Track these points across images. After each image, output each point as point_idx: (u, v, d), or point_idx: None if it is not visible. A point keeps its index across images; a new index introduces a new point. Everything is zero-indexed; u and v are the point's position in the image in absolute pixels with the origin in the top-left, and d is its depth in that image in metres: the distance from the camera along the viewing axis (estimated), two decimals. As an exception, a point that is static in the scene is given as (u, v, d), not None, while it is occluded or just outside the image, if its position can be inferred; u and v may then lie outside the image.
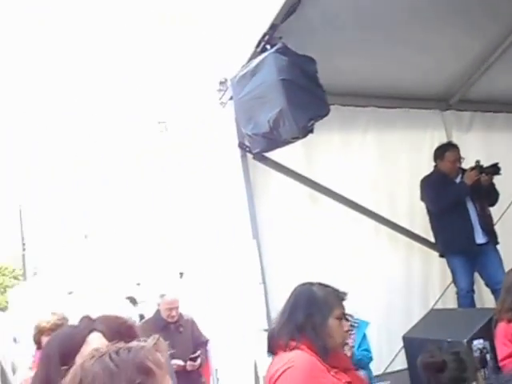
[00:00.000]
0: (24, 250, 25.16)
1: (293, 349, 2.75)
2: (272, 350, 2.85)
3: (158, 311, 5.17)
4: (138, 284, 9.33)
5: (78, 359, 2.37)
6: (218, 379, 5.81)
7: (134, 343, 1.59)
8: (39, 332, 4.60)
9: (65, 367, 2.35)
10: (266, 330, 3.98)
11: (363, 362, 3.95)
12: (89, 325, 2.52)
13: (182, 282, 7.36)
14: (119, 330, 2.65)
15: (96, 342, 2.44)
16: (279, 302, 3.68)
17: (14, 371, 5.10)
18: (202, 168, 7.53)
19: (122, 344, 1.59)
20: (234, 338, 4.72)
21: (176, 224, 8.27)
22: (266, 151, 4.05)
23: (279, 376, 2.70)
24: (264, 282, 4.17)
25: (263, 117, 3.75)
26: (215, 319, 5.19)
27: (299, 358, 2.71)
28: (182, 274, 7.86)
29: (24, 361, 5.18)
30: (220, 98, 4.38)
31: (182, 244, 8.05)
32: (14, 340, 6.45)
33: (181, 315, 5.14)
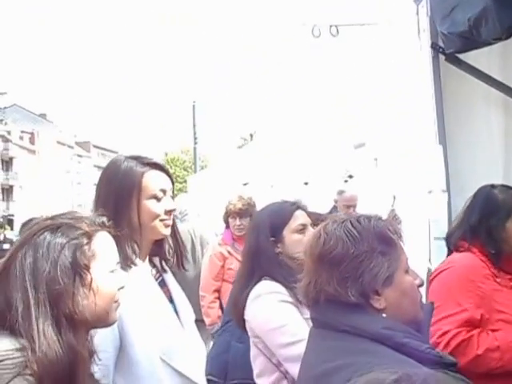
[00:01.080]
0: (196, 143, 26.54)
1: (464, 250, 2.73)
2: (449, 249, 2.86)
3: (334, 207, 5.30)
4: (306, 183, 9.49)
5: (286, 232, 2.57)
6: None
7: (371, 214, 1.66)
8: (226, 213, 4.99)
9: (273, 238, 2.56)
10: (445, 239, 3.94)
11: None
12: (294, 203, 2.69)
13: (351, 183, 7.39)
14: (320, 220, 2.78)
15: (302, 218, 2.62)
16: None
17: (202, 245, 5.58)
18: (384, 70, 7.37)
19: (359, 213, 1.67)
20: (410, 244, 4.71)
21: (347, 127, 8.23)
22: (461, 52, 3.84)
23: (436, 275, 2.73)
24: (448, 190, 4.06)
25: (463, 14, 3.51)
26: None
27: (461, 260, 2.71)
28: (351, 176, 7.90)
29: (211, 236, 5.67)
30: (416, -5, 4.17)
31: (351, 150, 8.03)
32: (198, 215, 7.00)
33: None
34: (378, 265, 1.55)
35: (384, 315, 1.56)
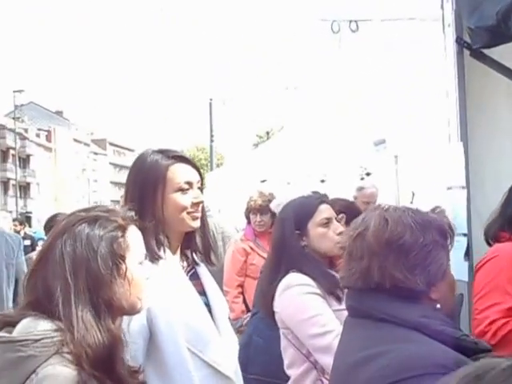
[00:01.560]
0: (212, 141, 26.55)
1: (505, 241, 2.76)
2: (487, 242, 2.88)
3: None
4: (323, 181, 9.47)
5: (310, 225, 2.59)
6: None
7: (421, 210, 1.68)
8: (247, 209, 5.01)
9: (298, 231, 2.59)
10: (464, 235, 3.92)
11: None
12: (319, 197, 2.71)
13: (370, 180, 7.35)
14: (347, 206, 2.79)
15: (326, 212, 2.64)
16: (483, 208, 3.57)
17: (223, 240, 5.60)
18: (405, 65, 7.34)
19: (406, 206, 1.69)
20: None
21: (366, 123, 8.20)
22: (489, 47, 3.80)
23: (482, 265, 2.76)
24: (468, 187, 4.04)
25: (491, 8, 3.48)
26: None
27: (505, 249, 2.76)
28: (368, 173, 7.87)
29: (232, 231, 5.69)
30: (441, -11, 4.15)
31: (370, 147, 8.00)
32: (219, 211, 7.04)
33: (376, 211, 5.22)
34: (441, 257, 1.60)
35: (438, 306, 1.61)
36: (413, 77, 6.41)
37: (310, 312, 2.42)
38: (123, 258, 1.56)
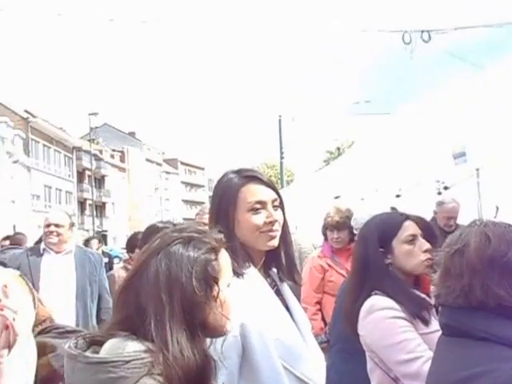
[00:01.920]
0: (282, 158, 26.52)
1: None
2: None
3: (433, 219, 5.16)
4: (398, 196, 9.30)
5: (395, 242, 2.52)
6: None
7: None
8: (324, 226, 4.95)
9: (382, 249, 2.52)
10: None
11: None
12: (403, 214, 2.64)
13: (450, 194, 7.12)
14: (424, 224, 2.71)
15: (411, 228, 2.56)
16: None
17: (300, 257, 5.56)
18: (484, 73, 7.11)
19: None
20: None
21: (446, 137, 7.97)
22: None
23: None
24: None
25: None
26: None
27: None
28: (446, 187, 7.64)
29: (309, 248, 5.66)
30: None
31: (449, 160, 7.76)
32: (296, 228, 7.02)
33: (457, 226, 5.05)
34: None
35: None
36: (492, 85, 6.18)
37: (395, 338, 2.33)
38: (216, 280, 1.56)
